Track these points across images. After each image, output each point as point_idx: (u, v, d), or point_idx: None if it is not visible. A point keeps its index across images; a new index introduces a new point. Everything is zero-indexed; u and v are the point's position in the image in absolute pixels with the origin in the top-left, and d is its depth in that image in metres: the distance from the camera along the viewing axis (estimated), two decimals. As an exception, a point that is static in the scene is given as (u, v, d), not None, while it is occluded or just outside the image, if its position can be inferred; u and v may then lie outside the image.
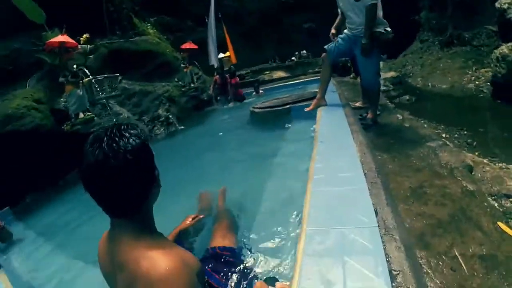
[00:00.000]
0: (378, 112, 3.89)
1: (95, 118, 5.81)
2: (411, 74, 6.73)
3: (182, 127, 7.77)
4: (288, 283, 0.95)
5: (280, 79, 11.64)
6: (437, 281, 1.41)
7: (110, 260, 1.05)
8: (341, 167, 2.31)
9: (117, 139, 0.93)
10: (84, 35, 6.74)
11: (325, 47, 4.03)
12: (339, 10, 3.98)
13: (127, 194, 0.96)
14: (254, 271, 1.66)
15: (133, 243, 0.97)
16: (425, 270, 1.47)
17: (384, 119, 3.81)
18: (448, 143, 2.81)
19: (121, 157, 0.91)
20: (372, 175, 2.06)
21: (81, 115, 5.58)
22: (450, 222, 1.77)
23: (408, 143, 2.96)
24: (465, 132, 4.12)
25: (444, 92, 7.19)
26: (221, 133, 6.55)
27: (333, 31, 4.18)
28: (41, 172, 4.62)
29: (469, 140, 3.80)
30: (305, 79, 9.17)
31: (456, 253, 1.54)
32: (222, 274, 1.53)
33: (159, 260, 0.90)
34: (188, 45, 9.58)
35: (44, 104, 5.21)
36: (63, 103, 5.68)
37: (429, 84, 5.65)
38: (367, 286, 1.19)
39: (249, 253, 1.85)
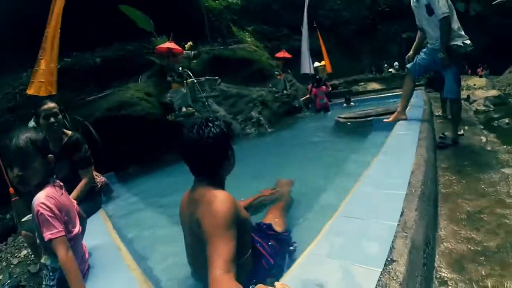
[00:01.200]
0: (460, 132, 3.65)
1: (196, 113, 6.52)
2: None
3: (272, 129, 8.17)
4: (286, 283, 1.12)
5: (374, 91, 11.19)
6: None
7: (188, 202, 1.55)
8: (390, 175, 2.39)
9: (203, 127, 1.44)
10: (189, 43, 7.57)
11: (407, 66, 3.97)
12: (418, 26, 3.89)
13: (207, 162, 1.47)
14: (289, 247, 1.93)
15: (206, 189, 1.43)
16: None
17: (466, 140, 3.57)
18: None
19: (204, 141, 1.42)
20: (416, 185, 2.08)
21: (184, 109, 6.31)
22: (496, 253, 1.69)
23: (481, 166, 2.82)
24: None
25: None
26: (303, 139, 6.84)
27: (410, 53, 4.10)
28: (145, 151, 5.50)
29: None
30: (399, 93, 8.65)
31: (489, 285, 1.49)
32: (262, 240, 1.80)
33: (219, 194, 1.37)
34: (282, 54, 9.97)
35: (153, 97, 6.07)
36: (169, 98, 6.48)
37: (534, 108, 4.88)
38: (362, 262, 1.37)
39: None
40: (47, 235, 1.48)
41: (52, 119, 2.64)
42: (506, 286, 1.46)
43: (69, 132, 2.87)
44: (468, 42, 3.34)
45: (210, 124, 1.46)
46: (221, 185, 1.55)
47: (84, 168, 2.82)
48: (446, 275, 1.58)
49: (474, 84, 9.32)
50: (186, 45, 7.43)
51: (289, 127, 8.54)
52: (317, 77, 10.39)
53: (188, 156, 1.49)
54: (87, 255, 1.85)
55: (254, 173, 4.09)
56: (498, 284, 1.47)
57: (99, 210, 2.99)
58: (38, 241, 1.62)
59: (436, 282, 1.54)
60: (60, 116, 2.72)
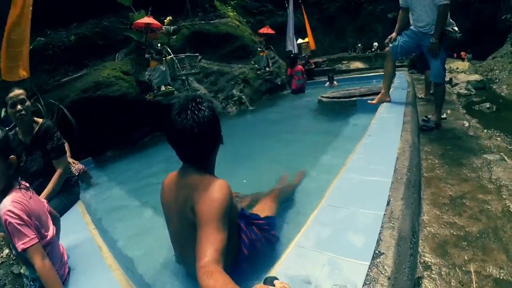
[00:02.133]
0: (444, 116, 3.68)
1: (175, 92, 6.36)
2: (497, 80, 5.98)
3: (253, 108, 8.13)
4: (286, 282, 1.10)
5: (357, 70, 11.19)
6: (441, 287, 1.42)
7: (177, 186, 1.48)
8: (375, 160, 2.37)
9: (196, 112, 1.34)
10: (168, 18, 7.23)
11: (389, 45, 3.91)
12: (401, 5, 3.80)
13: (202, 148, 1.41)
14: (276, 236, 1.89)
15: (201, 175, 1.40)
16: (432, 276, 1.49)
17: (449, 124, 3.61)
18: (507, 158, 2.61)
19: (201, 126, 1.33)
20: (401, 172, 2.07)
21: (163, 88, 6.13)
22: (478, 238, 1.71)
23: (463, 151, 2.85)
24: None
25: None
26: (285, 117, 6.81)
27: (394, 34, 4.00)
28: (123, 133, 5.40)
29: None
30: (382, 72, 8.67)
31: (472, 269, 1.51)
32: (244, 225, 1.75)
33: (217, 181, 1.34)
34: (265, 30, 9.71)
35: (130, 75, 5.84)
36: (147, 76, 6.30)
37: (514, 93, 5.03)
38: (350, 256, 1.34)
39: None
40: (19, 245, 1.37)
41: (19, 107, 2.47)
42: (489, 271, 1.48)
43: (40, 120, 2.68)
44: (456, 28, 3.34)
45: (202, 107, 1.37)
46: (213, 169, 1.53)
47: (58, 157, 2.64)
48: (430, 260, 1.60)
49: (457, 68, 9.46)
50: (165, 20, 7.11)
51: (271, 105, 8.47)
52: (291, 55, 10.15)
53: (182, 143, 1.40)
54: (66, 257, 1.74)
55: (236, 155, 4.05)
56: (481, 269, 1.50)
57: (77, 202, 2.84)
58: (13, 252, 1.51)
59: (420, 267, 1.55)
60: (28, 103, 2.55)
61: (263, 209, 2.07)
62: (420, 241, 1.74)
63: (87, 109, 4.94)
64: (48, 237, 1.57)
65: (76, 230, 2.20)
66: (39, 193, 2.47)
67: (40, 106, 4.55)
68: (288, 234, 1.90)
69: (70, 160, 3.51)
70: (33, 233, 1.41)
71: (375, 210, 1.64)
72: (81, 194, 3.01)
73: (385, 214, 1.57)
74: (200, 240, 1.15)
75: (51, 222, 1.69)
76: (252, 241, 1.66)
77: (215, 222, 1.18)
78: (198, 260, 1.08)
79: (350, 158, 2.51)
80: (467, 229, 1.79)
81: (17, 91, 2.51)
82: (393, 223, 1.50)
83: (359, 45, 15.78)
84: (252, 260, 1.62)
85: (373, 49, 14.84)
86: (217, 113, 1.48)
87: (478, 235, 1.73)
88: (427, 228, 1.85)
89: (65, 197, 2.69)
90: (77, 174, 3.38)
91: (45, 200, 1.80)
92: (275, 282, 1.02)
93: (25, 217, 1.41)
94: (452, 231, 1.79)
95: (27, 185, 1.60)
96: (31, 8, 4.09)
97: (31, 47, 4.44)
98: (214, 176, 1.42)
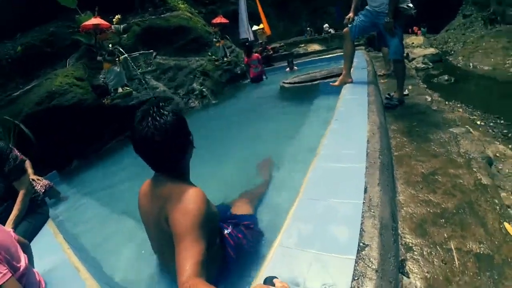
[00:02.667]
0: (406, 92, 3.76)
1: (133, 92, 6.08)
2: (452, 52, 6.33)
3: (216, 101, 7.93)
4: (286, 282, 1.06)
5: (315, 52, 11.27)
6: (424, 269, 1.42)
7: (152, 196, 1.41)
8: (347, 145, 2.36)
9: (158, 118, 1.25)
10: (116, 16, 6.85)
11: (348, 26, 3.92)
12: None
13: (169, 156, 1.32)
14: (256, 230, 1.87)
15: (174, 184, 1.32)
16: (414, 257, 1.49)
17: (412, 100, 3.69)
18: (472, 130, 2.70)
19: (163, 133, 1.24)
20: (374, 155, 2.07)
21: (120, 89, 5.82)
22: (455, 214, 1.73)
23: (430, 127, 2.89)
24: (503, 122, 3.87)
25: (486, 74, 6.73)
26: (250, 107, 6.71)
27: (351, 14, 3.99)
28: (85, 141, 5.15)
29: (505, 131, 3.57)
30: (340, 53, 8.75)
31: (452, 247, 1.52)
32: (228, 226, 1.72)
33: (190, 190, 1.26)
34: (219, 20, 9.43)
35: (84, 81, 5.50)
36: (102, 79, 5.95)
37: (470, 64, 5.28)
38: (335, 251, 1.32)
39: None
40: None
41: None
42: (469, 246, 1.51)
43: None
44: (411, 5, 3.37)
45: (165, 112, 1.28)
46: (187, 175, 1.45)
47: (18, 178, 2.46)
48: (410, 241, 1.61)
49: (412, 43, 9.81)
50: (114, 19, 6.71)
51: (233, 96, 8.33)
52: (247, 43, 9.97)
53: (147, 153, 1.31)
54: (43, 285, 1.64)
55: (205, 154, 3.92)
56: (461, 245, 1.52)
57: (47, 221, 2.67)
58: None
59: (402, 249, 1.55)
60: None
61: (242, 209, 2.05)
62: (399, 222, 1.74)
63: (44, 121, 4.67)
64: (21, 268, 1.48)
65: (50, 253, 2.08)
66: (6, 218, 2.35)
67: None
68: (269, 230, 1.87)
69: (33, 177, 3.32)
70: (5, 268, 1.35)
71: (353, 199, 1.63)
72: (50, 212, 2.84)
73: (364, 202, 1.56)
74: (178, 255, 1.09)
75: (21, 251, 1.58)
76: (238, 242, 1.63)
77: (191, 235, 1.13)
78: (178, 276, 1.03)
79: (321, 145, 2.48)
80: (443, 206, 1.81)
81: None
82: (373, 212, 1.48)
83: (308, 29, 15.78)
84: (239, 261, 1.59)
85: (324, 32, 14.91)
86: (183, 115, 1.39)
87: (454, 211, 1.76)
88: (404, 208, 1.86)
89: (33, 218, 2.53)
90: (43, 190, 3.18)
91: (11, 229, 1.70)
92: (275, 281, 1.01)
93: None
94: (428, 209, 1.81)
95: None
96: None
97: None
98: (187, 184, 1.34)
